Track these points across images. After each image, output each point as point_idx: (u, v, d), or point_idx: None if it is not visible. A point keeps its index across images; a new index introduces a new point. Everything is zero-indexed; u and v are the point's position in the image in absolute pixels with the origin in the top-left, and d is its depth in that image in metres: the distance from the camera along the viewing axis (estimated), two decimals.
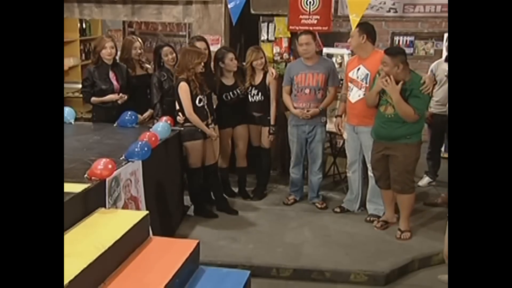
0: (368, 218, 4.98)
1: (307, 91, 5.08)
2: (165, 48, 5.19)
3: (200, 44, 5.08)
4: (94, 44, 5.14)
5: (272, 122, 5.38)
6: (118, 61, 5.19)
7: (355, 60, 4.95)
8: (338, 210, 5.24)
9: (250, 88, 5.32)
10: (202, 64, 4.73)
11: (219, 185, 5.29)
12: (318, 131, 5.20)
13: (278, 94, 5.44)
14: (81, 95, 7.68)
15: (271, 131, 5.39)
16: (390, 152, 4.55)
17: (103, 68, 4.98)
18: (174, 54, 5.17)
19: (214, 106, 5.14)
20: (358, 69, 4.80)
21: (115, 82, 5.02)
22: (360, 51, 4.83)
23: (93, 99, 5.04)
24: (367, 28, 4.81)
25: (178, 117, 4.80)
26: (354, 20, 5.16)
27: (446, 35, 5.69)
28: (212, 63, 5.25)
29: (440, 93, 5.68)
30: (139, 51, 5.34)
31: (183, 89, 4.65)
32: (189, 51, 4.78)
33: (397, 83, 4.32)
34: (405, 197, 4.63)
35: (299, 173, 5.44)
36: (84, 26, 8.53)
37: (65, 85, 6.86)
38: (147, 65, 5.50)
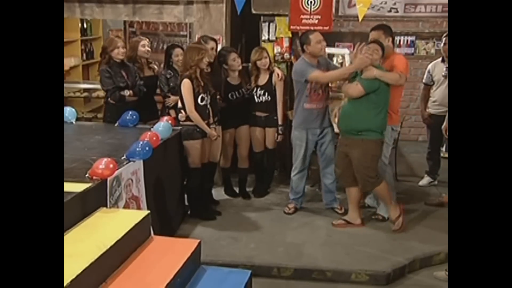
0: (374, 217, 4.99)
1: (320, 91, 4.96)
2: (177, 49, 5.29)
3: (211, 44, 5.13)
4: (104, 44, 5.16)
5: (280, 122, 5.38)
6: (125, 61, 5.21)
7: None
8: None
9: (256, 88, 5.32)
10: (206, 61, 4.71)
11: (211, 185, 5.29)
12: (328, 130, 5.04)
13: (284, 94, 5.43)
14: (82, 95, 7.76)
15: (279, 131, 5.38)
16: (348, 149, 4.66)
17: (115, 67, 5.02)
18: None
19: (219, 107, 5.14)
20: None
21: (127, 81, 5.07)
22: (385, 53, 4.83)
23: (128, 97, 5.03)
24: (390, 31, 4.88)
25: (180, 114, 4.81)
26: (361, 9, 5.16)
27: (443, 36, 5.69)
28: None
29: (438, 93, 5.69)
30: (147, 49, 5.37)
31: (186, 86, 4.65)
32: (190, 48, 4.82)
33: None
34: (376, 190, 4.76)
35: (303, 180, 5.20)
36: (85, 26, 8.53)
37: (66, 85, 6.90)
38: (154, 66, 5.53)
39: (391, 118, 4.75)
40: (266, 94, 5.33)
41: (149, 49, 5.45)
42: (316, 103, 4.97)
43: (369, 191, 5.01)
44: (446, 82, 5.43)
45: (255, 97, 5.33)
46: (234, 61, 5.20)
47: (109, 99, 5.08)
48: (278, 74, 5.32)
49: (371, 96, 4.49)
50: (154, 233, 3.17)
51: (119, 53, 5.00)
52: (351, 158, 4.64)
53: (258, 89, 5.33)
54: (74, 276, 2.23)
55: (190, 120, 4.73)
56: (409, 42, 7.93)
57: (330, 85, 5.15)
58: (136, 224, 2.92)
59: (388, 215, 4.89)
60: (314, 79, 4.87)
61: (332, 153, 5.11)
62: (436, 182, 6.00)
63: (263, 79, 5.33)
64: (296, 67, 5.04)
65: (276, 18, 5.87)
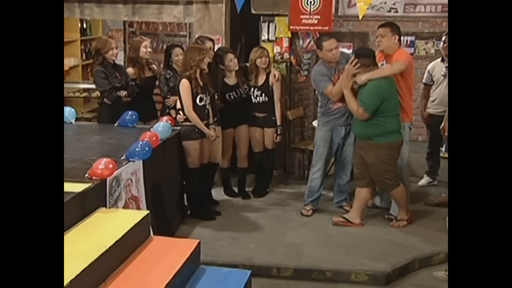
0: (386, 216, 5.00)
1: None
2: (177, 49, 5.29)
3: (208, 45, 5.13)
4: (98, 45, 5.12)
5: (278, 123, 5.38)
6: (125, 61, 5.19)
7: (377, 55, 4.94)
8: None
9: (253, 89, 5.32)
10: (206, 61, 4.71)
11: (211, 185, 5.30)
12: (351, 133, 4.97)
13: (283, 94, 5.42)
14: (82, 95, 7.76)
15: (279, 132, 5.39)
16: (363, 152, 4.66)
17: (109, 68, 5.02)
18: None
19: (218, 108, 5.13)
20: (382, 64, 4.83)
21: (122, 82, 5.07)
22: (389, 50, 4.83)
23: (124, 98, 5.02)
24: (398, 29, 4.87)
25: (178, 116, 4.81)
26: (362, 8, 5.15)
27: (443, 35, 5.69)
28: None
29: (437, 93, 5.69)
30: (149, 50, 5.34)
31: (184, 86, 4.65)
32: (190, 49, 4.82)
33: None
34: (393, 193, 4.76)
35: (321, 180, 5.14)
36: (84, 26, 8.54)
37: (66, 85, 6.89)
38: (154, 66, 5.52)
39: (406, 115, 4.76)
40: (263, 95, 5.33)
41: (151, 50, 5.43)
42: (342, 101, 4.88)
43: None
44: (446, 82, 5.43)
45: (252, 97, 5.33)
46: (231, 61, 5.19)
47: (105, 99, 5.05)
48: (275, 75, 5.32)
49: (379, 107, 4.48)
50: (154, 233, 3.16)
51: (113, 54, 5.00)
52: (367, 161, 4.65)
53: (255, 89, 5.33)
54: (73, 276, 2.22)
55: (189, 121, 4.73)
56: (408, 42, 7.93)
57: None
58: (136, 224, 2.91)
59: (397, 215, 4.91)
60: (326, 94, 4.89)
61: (351, 157, 5.04)
62: (435, 182, 6.00)
63: (260, 80, 5.33)
64: (313, 76, 5.04)
65: (276, 18, 5.88)
